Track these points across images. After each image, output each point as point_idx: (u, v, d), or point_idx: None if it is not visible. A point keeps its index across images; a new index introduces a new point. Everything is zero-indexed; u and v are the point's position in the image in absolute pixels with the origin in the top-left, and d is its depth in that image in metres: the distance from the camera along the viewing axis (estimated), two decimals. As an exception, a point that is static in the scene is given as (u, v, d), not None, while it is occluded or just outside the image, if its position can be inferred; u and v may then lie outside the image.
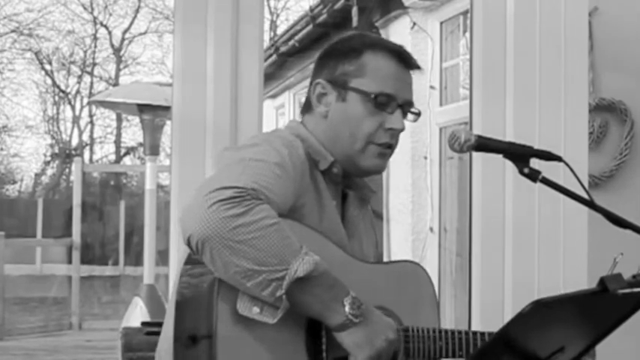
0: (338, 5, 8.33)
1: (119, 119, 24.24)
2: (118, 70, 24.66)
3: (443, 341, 2.02)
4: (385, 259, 3.10)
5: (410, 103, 2.13)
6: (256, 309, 1.81)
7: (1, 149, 24.72)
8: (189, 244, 1.80)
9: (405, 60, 2.13)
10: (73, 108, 24.78)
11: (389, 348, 1.91)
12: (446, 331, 2.04)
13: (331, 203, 2.08)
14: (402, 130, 2.11)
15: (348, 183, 2.18)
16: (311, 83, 2.17)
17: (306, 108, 2.18)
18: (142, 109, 8.27)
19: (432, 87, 7.06)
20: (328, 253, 1.92)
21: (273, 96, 11.94)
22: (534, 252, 3.05)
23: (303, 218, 1.97)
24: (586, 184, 2.35)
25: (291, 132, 2.12)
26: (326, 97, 2.12)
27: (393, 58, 2.12)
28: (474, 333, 2.07)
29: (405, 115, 2.12)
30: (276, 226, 1.79)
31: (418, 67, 2.17)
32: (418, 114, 2.14)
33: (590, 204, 2.01)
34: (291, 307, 1.81)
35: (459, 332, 2.05)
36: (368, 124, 2.08)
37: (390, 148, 2.12)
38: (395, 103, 2.09)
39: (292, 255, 1.79)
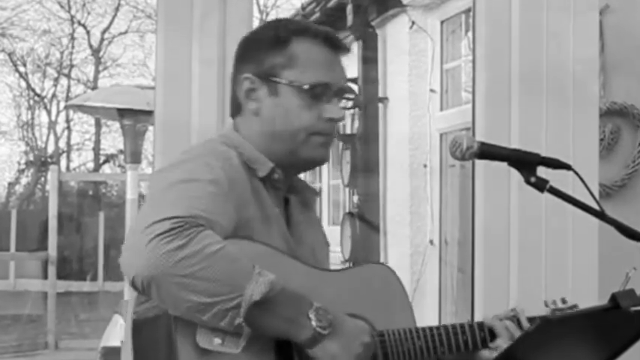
0: (332, 3, 8.34)
1: (98, 125, 24.21)
2: (97, 72, 24.64)
3: (422, 340, 2.04)
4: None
5: (343, 90, 2.13)
6: (217, 340, 1.80)
7: (-28, 157, 24.70)
8: (134, 285, 1.77)
9: (334, 44, 2.12)
10: (48, 113, 24.76)
11: (367, 352, 1.92)
12: (423, 329, 2.05)
13: (275, 212, 2.06)
14: (342, 119, 2.11)
15: (289, 187, 2.17)
16: (235, 78, 2.14)
17: (236, 108, 2.15)
18: (123, 113, 8.26)
19: (432, 90, 7.08)
20: (286, 268, 1.92)
21: (263, 100, 11.93)
22: (541, 266, 3.05)
23: (252, 233, 1.95)
24: (596, 194, 2.34)
25: (224, 141, 2.09)
26: (255, 93, 2.09)
27: (321, 44, 2.10)
28: (454, 326, 2.08)
29: (339, 102, 2.12)
30: (221, 251, 1.77)
31: (347, 50, 2.17)
32: (353, 99, 2.13)
33: (600, 215, 2.01)
34: (255, 331, 1.80)
35: (437, 328, 2.07)
36: (306, 117, 2.06)
37: (330, 136, 2.12)
38: (331, 91, 2.08)
39: (245, 279, 1.77)
